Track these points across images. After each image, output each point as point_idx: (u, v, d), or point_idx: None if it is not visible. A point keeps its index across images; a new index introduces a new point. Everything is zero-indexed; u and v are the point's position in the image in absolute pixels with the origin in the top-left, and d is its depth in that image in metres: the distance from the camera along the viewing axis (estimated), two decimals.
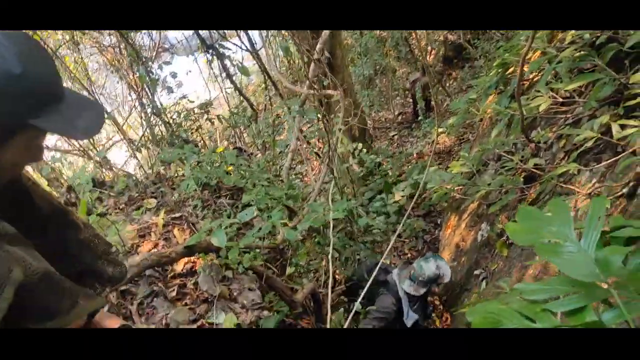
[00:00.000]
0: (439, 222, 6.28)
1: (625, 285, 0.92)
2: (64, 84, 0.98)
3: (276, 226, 2.61)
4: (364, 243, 4.66)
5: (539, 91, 2.79)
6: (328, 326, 3.10)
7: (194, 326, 2.24)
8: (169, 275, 2.54)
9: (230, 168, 3.70)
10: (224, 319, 2.29)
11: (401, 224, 3.73)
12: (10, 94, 0.83)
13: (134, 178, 4.08)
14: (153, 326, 2.24)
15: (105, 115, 1.44)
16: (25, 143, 0.93)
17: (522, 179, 3.54)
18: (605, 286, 0.92)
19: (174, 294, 2.42)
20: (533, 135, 3.50)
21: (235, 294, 2.49)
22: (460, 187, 4.18)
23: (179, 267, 2.56)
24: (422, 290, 3.78)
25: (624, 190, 2.64)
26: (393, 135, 9.47)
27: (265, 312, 2.45)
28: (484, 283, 3.74)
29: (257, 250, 2.77)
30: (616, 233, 1.08)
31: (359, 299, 2.82)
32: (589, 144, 2.76)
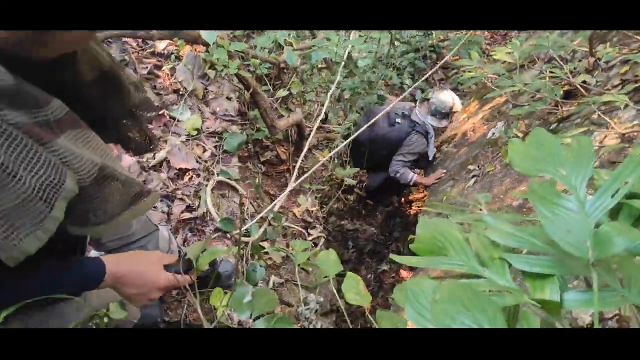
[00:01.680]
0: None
1: (610, 271, 0.69)
2: None
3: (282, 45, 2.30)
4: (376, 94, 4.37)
5: None
6: (302, 155, 2.98)
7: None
8: (146, 51, 2.29)
9: None
10: (187, 118, 2.10)
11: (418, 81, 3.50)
12: None
13: None
14: None
15: None
16: None
17: (562, 92, 3.15)
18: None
19: (145, 72, 2.20)
20: (598, 48, 3.03)
21: (210, 97, 2.28)
22: (495, 75, 3.77)
23: (161, 45, 2.29)
24: (445, 123, 4.18)
25: None
26: None
27: (234, 127, 2.26)
28: (472, 180, 3.56)
29: (256, 61, 2.50)
30: (631, 201, 0.82)
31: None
32: None
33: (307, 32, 3.29)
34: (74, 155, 0.78)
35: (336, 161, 4.13)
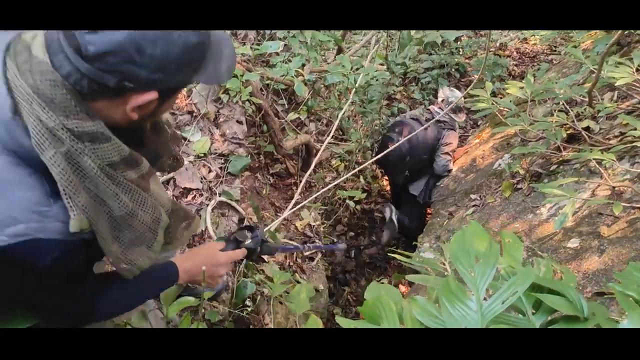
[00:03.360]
0: (478, 124, 6.01)
1: None
2: None
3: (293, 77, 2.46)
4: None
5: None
6: (307, 174, 3.13)
7: None
8: None
9: None
10: (197, 140, 2.27)
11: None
12: (189, 63, 0.89)
13: None
14: None
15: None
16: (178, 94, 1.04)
17: (565, 134, 3.24)
18: None
19: None
20: (605, 97, 3.11)
21: (221, 119, 2.44)
22: (506, 109, 3.86)
23: None
24: (462, 116, 4.74)
25: None
26: None
27: (241, 150, 2.42)
28: (472, 210, 3.67)
29: (271, 81, 2.65)
30: (546, 297, 0.96)
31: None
32: None
33: (323, 56, 3.43)
34: (159, 195, 1.09)
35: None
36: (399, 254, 1.55)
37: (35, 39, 0.83)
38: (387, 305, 1.03)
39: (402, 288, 4.74)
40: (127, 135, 0.95)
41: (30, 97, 0.80)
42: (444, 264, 1.45)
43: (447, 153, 4.51)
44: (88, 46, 0.79)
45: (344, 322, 1.02)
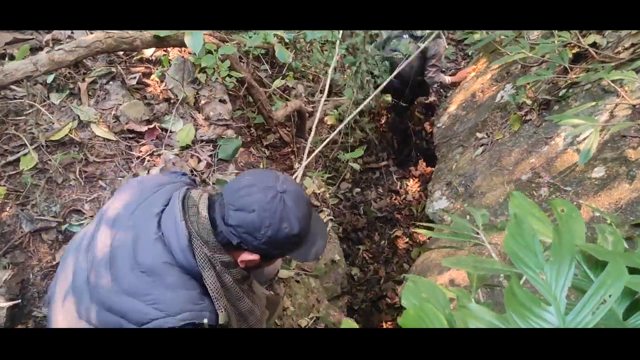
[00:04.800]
0: (470, 54, 5.73)
1: None
2: None
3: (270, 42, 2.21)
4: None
5: None
6: (309, 143, 2.93)
7: (144, 128, 2.02)
8: (134, 58, 2.21)
9: None
10: (179, 129, 2.05)
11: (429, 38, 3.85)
12: (287, 245, 1.26)
13: None
14: (100, 112, 2.01)
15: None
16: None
17: (571, 54, 3.01)
18: None
19: (134, 81, 2.14)
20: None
21: (202, 102, 2.21)
22: (504, 37, 3.60)
23: (148, 51, 2.22)
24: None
25: None
26: None
27: (230, 132, 2.21)
28: (481, 149, 3.48)
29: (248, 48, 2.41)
30: (629, 279, 0.77)
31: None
32: None
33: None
34: (260, 296, 1.54)
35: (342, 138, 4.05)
36: (422, 227, 1.41)
37: (201, 201, 1.25)
38: (434, 317, 0.86)
39: (418, 237, 4.62)
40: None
41: (197, 237, 1.18)
42: (477, 233, 1.28)
43: (435, 67, 4.54)
44: (229, 219, 1.20)
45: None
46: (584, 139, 2.61)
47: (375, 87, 3.93)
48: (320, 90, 3.71)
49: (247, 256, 1.26)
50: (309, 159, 2.71)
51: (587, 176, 2.44)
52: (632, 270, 0.81)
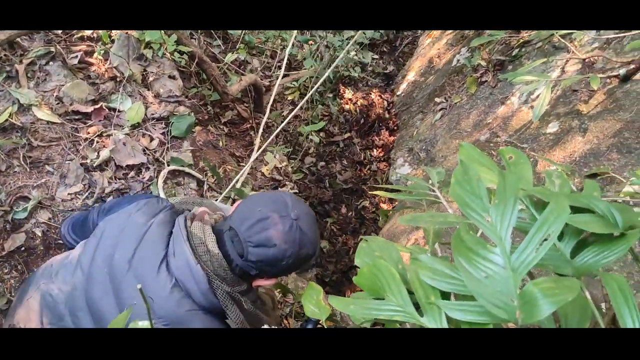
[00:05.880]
0: None
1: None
2: None
3: None
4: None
5: None
6: (265, 117, 2.89)
7: (90, 108, 1.93)
8: (74, 37, 2.11)
9: None
10: (128, 108, 1.98)
11: None
12: (303, 266, 1.27)
13: None
14: (41, 94, 1.92)
15: None
16: None
17: None
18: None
19: (75, 61, 2.04)
20: None
21: (150, 79, 2.13)
22: None
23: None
24: None
25: (621, 71, 2.27)
26: None
27: (182, 108, 2.14)
28: (439, 114, 3.50)
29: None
30: (572, 218, 0.77)
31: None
32: None
33: None
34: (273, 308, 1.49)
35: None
36: (379, 189, 1.41)
37: (207, 236, 1.21)
38: (387, 272, 0.86)
39: (384, 206, 4.65)
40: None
41: (214, 277, 1.17)
42: (432, 190, 1.27)
43: None
44: (249, 255, 1.17)
45: (338, 304, 0.84)
46: (538, 96, 2.64)
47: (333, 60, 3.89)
48: (278, 65, 3.65)
49: (263, 282, 1.27)
50: (271, 137, 2.66)
51: (542, 132, 2.48)
52: (579, 210, 0.82)
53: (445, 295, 0.79)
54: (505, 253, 0.67)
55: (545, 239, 0.65)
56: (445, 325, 0.75)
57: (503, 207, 0.70)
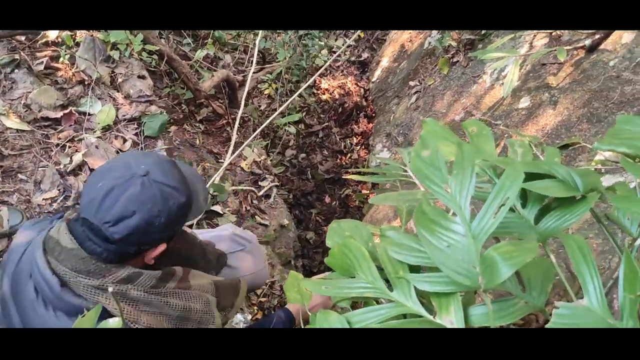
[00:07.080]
0: None
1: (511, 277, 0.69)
2: None
3: None
4: None
5: None
6: (240, 112, 2.88)
7: (60, 114, 1.92)
8: (38, 42, 2.09)
9: None
10: (99, 111, 1.96)
11: None
12: (183, 215, 1.15)
13: None
14: (8, 103, 1.90)
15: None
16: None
17: None
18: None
19: (41, 67, 2.02)
20: None
21: (119, 80, 2.12)
22: None
23: (52, 33, 2.09)
24: None
25: (587, 42, 2.30)
26: None
27: (154, 108, 2.13)
28: (415, 97, 3.52)
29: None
30: (533, 185, 0.79)
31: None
32: None
33: None
34: (201, 285, 1.29)
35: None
36: (354, 173, 1.41)
37: (60, 233, 1.08)
38: (357, 251, 0.87)
39: (366, 192, 4.67)
40: (157, 262, 1.19)
41: (73, 274, 1.05)
42: (405, 171, 1.28)
43: None
44: (114, 235, 1.03)
45: (311, 286, 0.85)
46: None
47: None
48: (249, 60, 3.64)
49: (152, 253, 1.14)
50: (254, 135, 2.66)
51: (515, 107, 2.51)
52: (542, 177, 0.84)
53: (414, 269, 0.80)
54: (465, 221, 0.68)
55: (503, 204, 0.67)
56: (415, 299, 0.76)
57: (461, 177, 0.71)
